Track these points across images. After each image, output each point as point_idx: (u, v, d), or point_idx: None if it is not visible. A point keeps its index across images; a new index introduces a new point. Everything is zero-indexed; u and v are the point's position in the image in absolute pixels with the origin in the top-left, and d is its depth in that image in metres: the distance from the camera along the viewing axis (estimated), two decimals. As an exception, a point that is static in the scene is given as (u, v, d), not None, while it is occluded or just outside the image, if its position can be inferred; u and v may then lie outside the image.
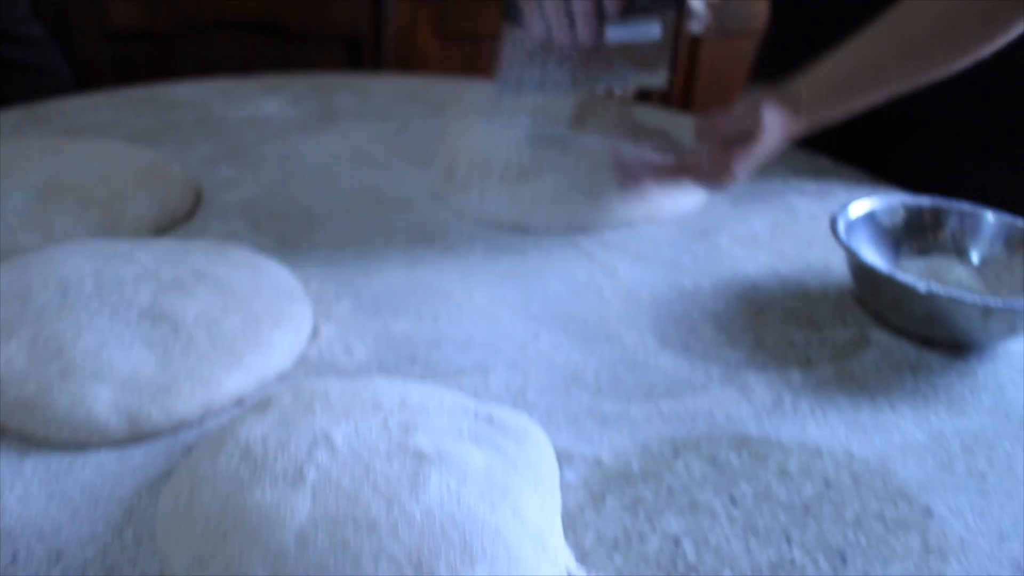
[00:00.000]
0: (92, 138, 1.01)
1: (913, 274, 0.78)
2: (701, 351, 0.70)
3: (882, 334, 0.74)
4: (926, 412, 0.65)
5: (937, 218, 0.80)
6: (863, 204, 0.79)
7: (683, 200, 0.92)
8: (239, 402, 0.62)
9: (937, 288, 0.67)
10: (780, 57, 1.06)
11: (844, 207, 0.78)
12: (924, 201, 0.81)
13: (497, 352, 0.69)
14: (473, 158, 0.91)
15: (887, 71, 0.79)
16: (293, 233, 0.85)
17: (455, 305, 0.75)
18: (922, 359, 0.71)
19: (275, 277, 0.72)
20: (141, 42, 1.47)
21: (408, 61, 1.88)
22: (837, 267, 0.84)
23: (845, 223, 0.76)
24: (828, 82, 0.81)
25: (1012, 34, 0.77)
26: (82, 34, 1.43)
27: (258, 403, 0.56)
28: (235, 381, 0.61)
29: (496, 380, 0.65)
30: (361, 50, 1.85)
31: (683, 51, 1.75)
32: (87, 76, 1.44)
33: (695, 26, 1.46)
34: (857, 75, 0.80)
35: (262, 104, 1.18)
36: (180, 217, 0.86)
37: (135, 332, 0.62)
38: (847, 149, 1.07)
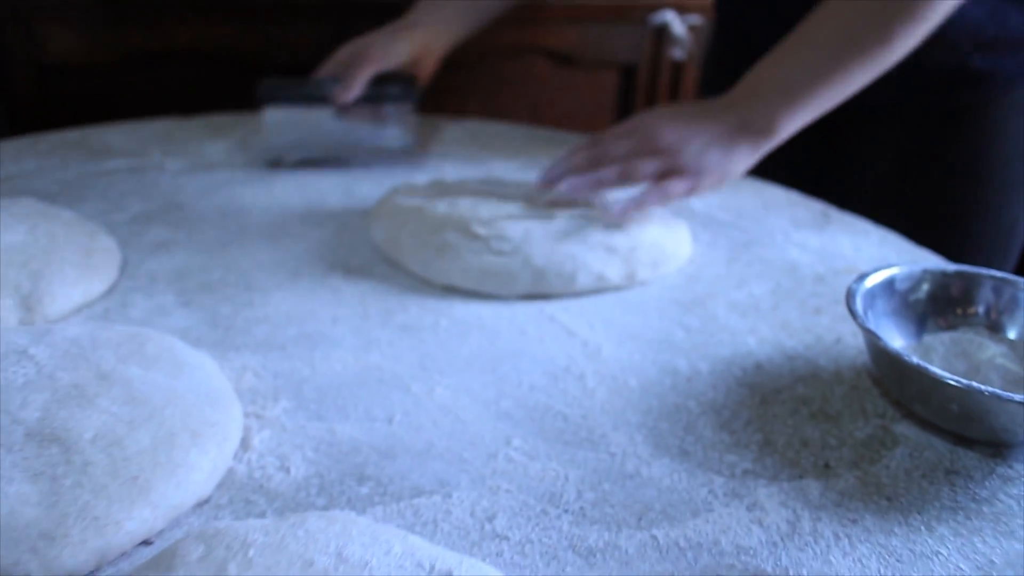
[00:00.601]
0: (8, 194, 0.89)
1: (939, 353, 0.68)
2: (701, 456, 0.60)
3: (908, 427, 0.64)
4: (969, 534, 0.55)
5: (966, 286, 0.70)
6: (881, 273, 0.69)
7: (669, 258, 0.82)
8: (146, 543, 0.51)
9: (977, 385, 0.57)
10: (723, 73, 0.99)
11: (860, 278, 0.68)
12: (950, 267, 0.71)
13: (461, 463, 0.58)
14: (423, 219, 0.81)
15: (844, 62, 0.77)
16: (228, 309, 0.74)
17: (412, 401, 0.64)
18: (957, 460, 0.61)
19: (199, 374, 0.61)
20: (79, 75, 1.35)
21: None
22: (849, 340, 0.74)
23: (862, 296, 0.66)
24: (786, 88, 0.79)
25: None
26: (14, 67, 1.32)
27: (157, 558, 0.45)
28: (139, 519, 0.50)
29: (460, 503, 0.55)
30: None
31: (664, 78, 1.65)
32: (19, 113, 1.33)
33: (677, 53, 1.37)
34: (815, 72, 0.77)
35: (206, 149, 1.06)
36: (98, 293, 0.75)
37: (17, 459, 0.51)
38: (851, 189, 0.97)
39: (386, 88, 1.02)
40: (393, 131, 1.03)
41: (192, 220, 0.88)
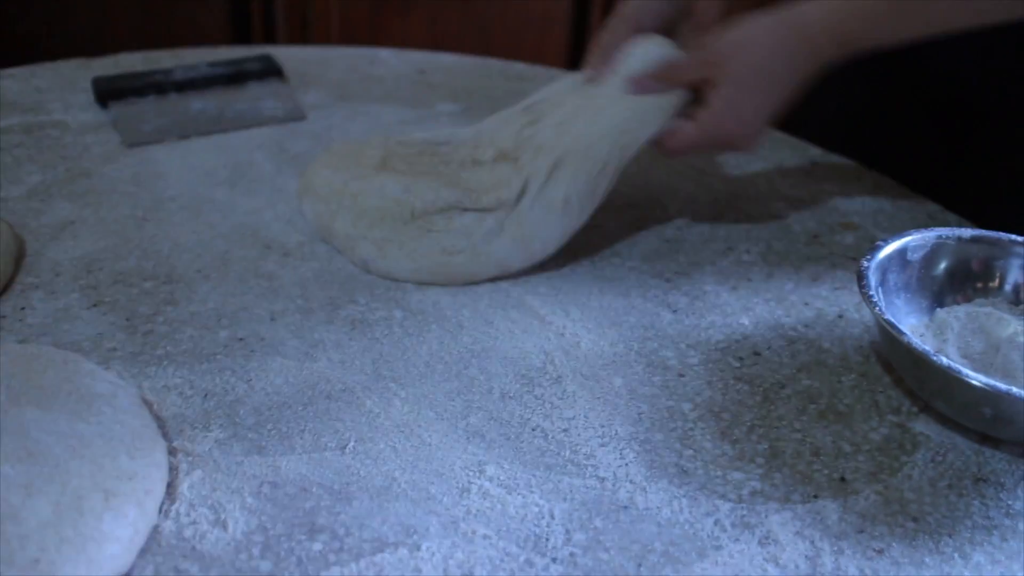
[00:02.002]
0: None
1: (954, 330, 0.61)
2: (702, 475, 0.53)
3: (927, 424, 0.57)
4: (1008, 560, 0.49)
5: (987, 254, 0.62)
6: (892, 244, 0.61)
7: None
8: (54, 638, 0.42)
9: (1015, 390, 0.50)
10: None
11: (870, 253, 0.60)
12: (965, 232, 0.63)
13: (429, 502, 0.50)
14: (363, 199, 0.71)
15: None
16: (146, 308, 0.64)
17: (368, 421, 0.55)
18: (984, 464, 0.54)
19: (112, 409, 0.51)
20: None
21: (305, 25, 1.61)
22: (852, 314, 0.66)
23: (873, 272, 0.59)
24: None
25: None
26: None
27: None
28: (42, 615, 0.42)
29: (430, 557, 0.47)
30: (248, 10, 1.58)
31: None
32: None
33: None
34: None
35: (114, 98, 0.93)
36: (-10, 293, 0.64)
37: None
38: (839, 138, 0.88)
39: (243, 66, 0.95)
40: (268, 103, 0.92)
41: (100, 192, 0.77)
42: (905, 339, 0.54)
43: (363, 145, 0.77)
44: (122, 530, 0.45)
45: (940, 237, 0.63)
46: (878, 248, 0.61)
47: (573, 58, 1.66)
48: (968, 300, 0.62)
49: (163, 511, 0.48)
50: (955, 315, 0.62)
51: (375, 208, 0.69)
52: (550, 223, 0.67)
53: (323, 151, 0.78)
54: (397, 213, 0.68)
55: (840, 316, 0.66)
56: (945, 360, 0.52)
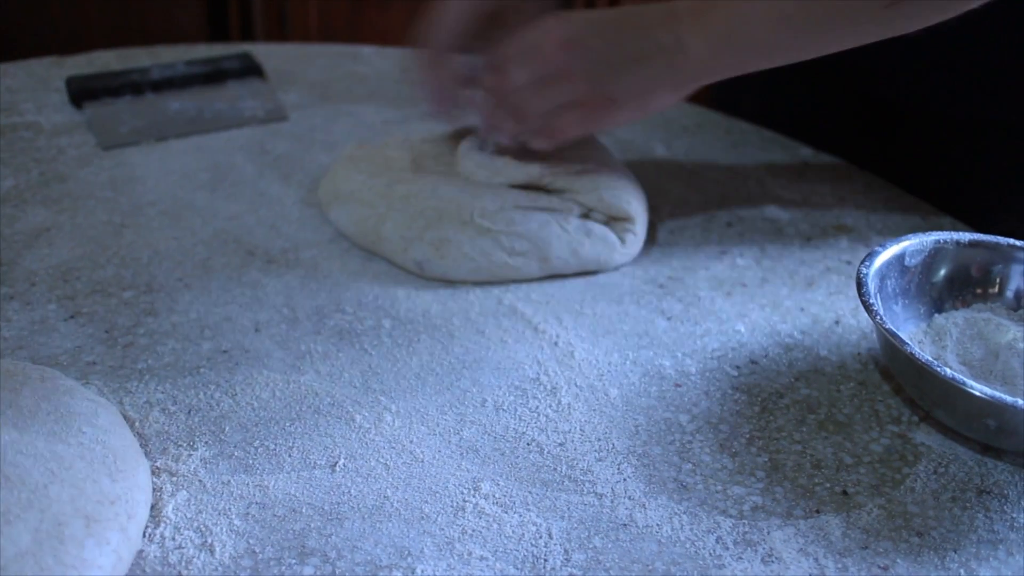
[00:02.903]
0: None
1: (952, 336, 0.60)
2: (702, 490, 0.51)
3: (927, 435, 0.56)
4: (1015, 575, 0.48)
5: (986, 259, 0.62)
6: (889, 250, 0.60)
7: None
8: (35, 674, 0.41)
9: (1020, 401, 0.49)
10: None
11: (868, 259, 0.59)
12: (964, 236, 0.62)
13: (423, 521, 0.49)
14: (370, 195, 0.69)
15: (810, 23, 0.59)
16: (126, 320, 0.62)
17: (358, 437, 0.54)
18: (987, 475, 0.53)
19: (93, 428, 0.49)
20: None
21: (283, 20, 1.58)
22: (849, 320, 0.65)
23: (872, 278, 0.58)
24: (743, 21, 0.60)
25: None
26: None
27: None
28: (22, 651, 0.40)
29: (425, 581, 0.45)
30: (225, 5, 1.55)
31: None
32: None
33: None
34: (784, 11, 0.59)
35: (89, 98, 0.91)
36: (-37, 305, 0.62)
37: None
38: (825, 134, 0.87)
39: (222, 64, 0.93)
40: (248, 103, 0.90)
41: (76, 197, 0.74)
42: (907, 349, 0.53)
43: (383, 147, 0.75)
44: (105, 558, 0.44)
45: (938, 242, 0.62)
46: (876, 253, 0.60)
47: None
48: (967, 306, 0.62)
49: (147, 535, 0.47)
50: (954, 321, 0.61)
51: (432, 209, 0.67)
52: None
53: (339, 157, 0.75)
54: (455, 214, 0.67)
55: (837, 322, 0.65)
56: (949, 371, 0.51)
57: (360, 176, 0.71)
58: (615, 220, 0.69)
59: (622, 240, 0.69)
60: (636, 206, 0.69)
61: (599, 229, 0.68)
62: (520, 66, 0.64)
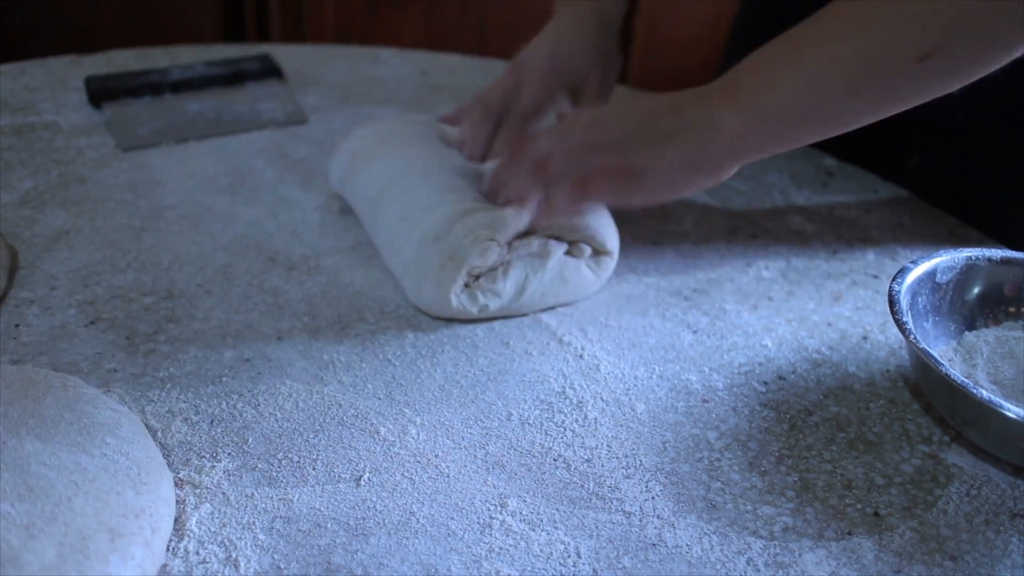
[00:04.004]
0: None
1: (983, 354, 0.59)
2: (731, 509, 0.51)
3: (959, 455, 0.55)
4: (1050, 602, 0.47)
5: (1019, 277, 0.61)
6: (921, 267, 0.59)
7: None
8: None
9: (1060, 424, 0.49)
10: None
11: (900, 275, 0.58)
12: (995, 253, 0.61)
13: (449, 538, 0.48)
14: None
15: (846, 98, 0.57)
16: (147, 326, 0.61)
17: (383, 450, 0.53)
18: (1021, 500, 0.53)
19: (116, 439, 0.49)
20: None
21: (300, 21, 1.57)
22: (877, 336, 0.65)
23: (904, 295, 0.57)
24: (773, 115, 0.58)
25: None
26: None
27: None
28: (46, 669, 0.39)
29: (453, 600, 0.45)
30: (241, 5, 1.54)
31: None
32: None
33: None
34: (813, 102, 0.57)
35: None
36: (-17, 309, 0.61)
37: None
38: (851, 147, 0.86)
39: (241, 66, 0.93)
40: (267, 105, 0.89)
41: (96, 199, 0.74)
42: (942, 369, 0.52)
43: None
44: (129, 573, 0.43)
45: (970, 259, 0.61)
46: (907, 270, 0.59)
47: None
48: (998, 324, 0.61)
49: (171, 549, 0.46)
50: (984, 339, 0.60)
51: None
52: None
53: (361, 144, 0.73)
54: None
55: (865, 338, 0.64)
56: (984, 393, 0.50)
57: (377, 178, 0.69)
58: (598, 254, 0.66)
59: (597, 274, 0.66)
60: (613, 242, 0.67)
61: (574, 273, 0.65)
62: (549, 138, 0.63)
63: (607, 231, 0.66)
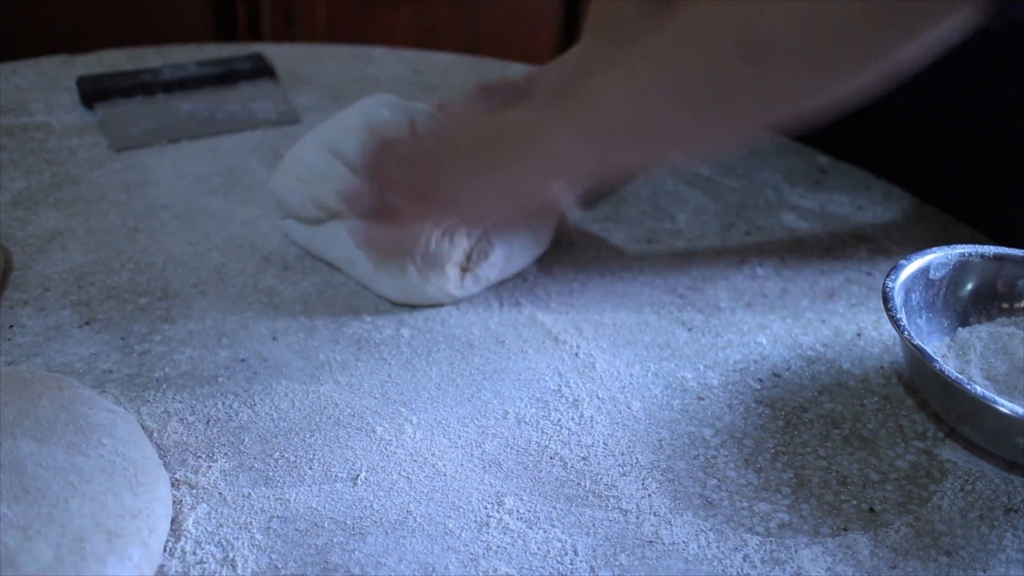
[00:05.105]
0: None
1: (976, 350, 0.60)
2: (727, 506, 0.51)
3: (953, 451, 0.55)
4: (1045, 596, 0.47)
5: (1012, 273, 0.61)
6: (915, 262, 0.60)
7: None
8: None
9: (1054, 420, 0.49)
10: None
11: (893, 272, 0.58)
12: (988, 250, 0.62)
13: (446, 537, 0.48)
14: None
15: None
16: (142, 327, 0.61)
17: (379, 449, 0.53)
18: (1014, 493, 0.53)
19: (111, 438, 0.49)
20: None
21: (291, 19, 1.57)
22: (871, 332, 0.65)
23: (898, 292, 0.57)
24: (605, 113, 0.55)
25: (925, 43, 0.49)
26: None
27: None
28: (44, 670, 0.39)
29: (451, 599, 0.45)
30: (233, 3, 1.54)
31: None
32: None
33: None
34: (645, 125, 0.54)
35: (100, 98, 0.90)
36: (-24, 310, 0.61)
37: None
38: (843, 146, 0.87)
39: (234, 65, 0.92)
40: (260, 104, 0.89)
41: (89, 200, 0.73)
42: (936, 366, 0.52)
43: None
44: (127, 573, 0.43)
45: (963, 255, 0.61)
46: (901, 267, 0.59)
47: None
48: (991, 320, 0.61)
49: (168, 550, 0.46)
50: (978, 335, 0.60)
51: None
52: None
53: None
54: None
55: (859, 335, 0.64)
56: (979, 389, 0.51)
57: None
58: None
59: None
60: None
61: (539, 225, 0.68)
62: (402, 142, 0.62)
63: None
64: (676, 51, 0.53)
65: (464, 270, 0.64)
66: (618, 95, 0.54)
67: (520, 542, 0.48)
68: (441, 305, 0.64)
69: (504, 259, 0.65)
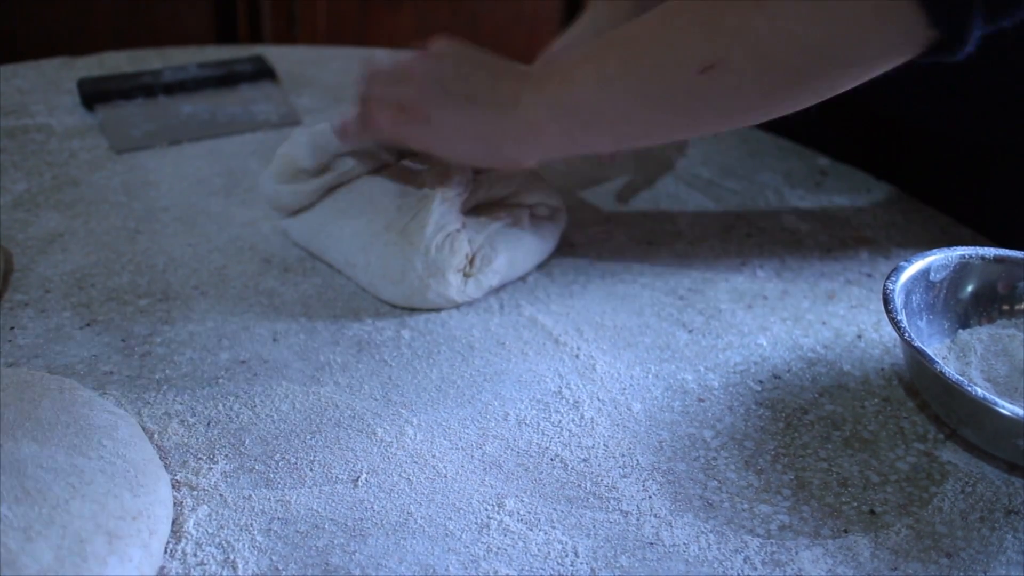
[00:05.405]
0: None
1: (977, 352, 0.60)
2: (728, 508, 0.51)
3: (953, 452, 0.55)
4: (1045, 598, 0.47)
5: (1012, 275, 0.61)
6: (915, 265, 0.60)
7: None
8: None
9: (1054, 421, 0.49)
10: None
11: (894, 274, 0.58)
12: (988, 252, 0.62)
13: (447, 538, 0.48)
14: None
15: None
16: (143, 328, 0.61)
17: (380, 451, 0.53)
18: (1015, 495, 0.53)
19: (112, 440, 0.49)
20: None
21: (292, 21, 1.57)
22: (871, 334, 0.65)
23: (899, 294, 0.57)
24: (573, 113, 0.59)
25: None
26: None
27: None
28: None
29: (451, 600, 0.45)
30: (233, 5, 1.54)
31: None
32: None
33: None
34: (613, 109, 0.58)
35: (101, 100, 0.90)
36: (-23, 312, 0.61)
37: None
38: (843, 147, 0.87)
39: (235, 67, 0.92)
40: (261, 106, 0.89)
41: (90, 202, 0.73)
42: (936, 367, 0.52)
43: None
44: (127, 575, 0.43)
45: (964, 257, 0.61)
46: (901, 268, 0.59)
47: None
48: (992, 321, 0.61)
49: (168, 551, 0.46)
50: (978, 337, 0.60)
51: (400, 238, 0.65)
52: None
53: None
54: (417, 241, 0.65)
55: (859, 336, 0.64)
56: (979, 391, 0.51)
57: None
58: (555, 211, 0.70)
59: (559, 228, 0.70)
60: (560, 199, 0.70)
61: (544, 230, 0.69)
62: (392, 62, 0.65)
63: (553, 193, 0.70)
64: (645, 47, 0.56)
65: (466, 275, 0.64)
66: (587, 82, 0.58)
67: (520, 544, 0.48)
68: (442, 308, 0.64)
69: (508, 265, 0.66)
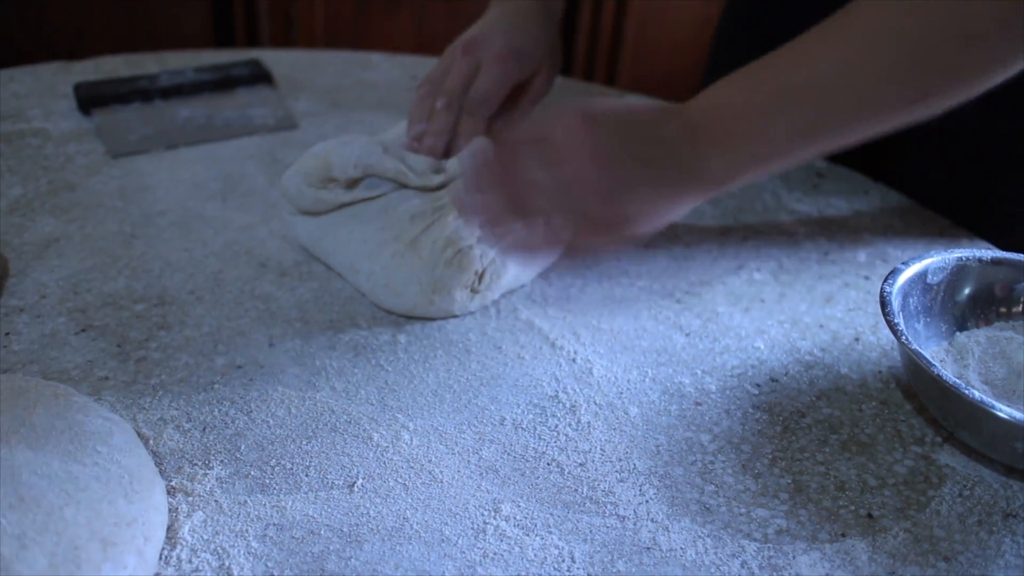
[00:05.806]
0: None
1: (974, 355, 0.60)
2: (725, 512, 0.51)
3: (951, 456, 0.55)
4: (1043, 602, 0.47)
5: (1010, 277, 0.61)
6: (912, 267, 0.60)
7: None
8: None
9: (1052, 424, 0.49)
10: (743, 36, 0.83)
11: (891, 277, 0.58)
12: (986, 254, 0.62)
13: (443, 544, 0.48)
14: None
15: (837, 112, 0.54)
16: (138, 333, 0.61)
17: (376, 456, 0.53)
18: (1013, 498, 0.53)
19: (107, 446, 0.48)
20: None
21: (289, 25, 1.57)
22: (868, 337, 0.65)
23: (895, 296, 0.57)
24: (760, 137, 0.55)
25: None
26: None
27: None
28: None
29: (447, 606, 0.45)
30: (230, 9, 1.54)
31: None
32: None
33: None
34: (803, 125, 0.55)
35: (97, 104, 0.90)
36: (-28, 317, 0.61)
37: None
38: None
39: (231, 71, 0.92)
40: (258, 110, 0.89)
41: (86, 206, 0.73)
42: (934, 370, 0.52)
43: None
44: (122, 582, 0.43)
45: (961, 259, 0.61)
46: (898, 271, 0.59)
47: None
48: (989, 324, 0.61)
49: (163, 558, 0.46)
50: (976, 339, 0.60)
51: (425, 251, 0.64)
52: None
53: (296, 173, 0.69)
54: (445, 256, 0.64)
55: (857, 339, 0.64)
56: (976, 394, 0.51)
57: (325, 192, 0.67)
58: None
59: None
60: None
61: None
62: (537, 158, 0.55)
63: None
64: (838, 85, 0.53)
65: (474, 291, 0.63)
66: (783, 132, 0.54)
67: (517, 549, 0.48)
68: (444, 324, 0.64)
69: (515, 279, 0.65)
